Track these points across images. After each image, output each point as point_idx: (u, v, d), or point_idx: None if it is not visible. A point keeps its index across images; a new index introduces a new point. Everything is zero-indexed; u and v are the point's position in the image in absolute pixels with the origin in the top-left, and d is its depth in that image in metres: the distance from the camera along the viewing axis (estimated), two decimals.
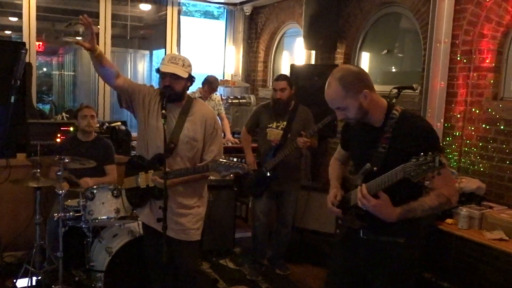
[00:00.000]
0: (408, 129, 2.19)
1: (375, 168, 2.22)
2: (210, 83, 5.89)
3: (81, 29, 8.39)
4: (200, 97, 5.64)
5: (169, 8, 7.24)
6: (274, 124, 4.41)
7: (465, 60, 4.16)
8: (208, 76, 5.96)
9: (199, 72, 6.04)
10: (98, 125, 5.11)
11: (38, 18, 6.45)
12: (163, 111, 2.85)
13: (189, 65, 3.07)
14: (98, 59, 2.99)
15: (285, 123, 4.37)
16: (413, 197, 2.20)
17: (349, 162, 2.74)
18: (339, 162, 2.73)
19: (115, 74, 3.08)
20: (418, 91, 4.31)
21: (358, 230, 2.35)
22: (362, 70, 2.33)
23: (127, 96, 3.12)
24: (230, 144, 5.83)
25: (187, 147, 3.07)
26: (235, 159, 2.91)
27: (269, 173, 4.29)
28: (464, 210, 3.57)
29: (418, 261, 2.36)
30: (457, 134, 4.21)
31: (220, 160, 2.93)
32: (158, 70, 3.07)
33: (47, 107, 8.38)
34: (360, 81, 2.22)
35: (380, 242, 2.31)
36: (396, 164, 2.06)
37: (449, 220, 3.65)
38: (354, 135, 2.46)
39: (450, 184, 2.26)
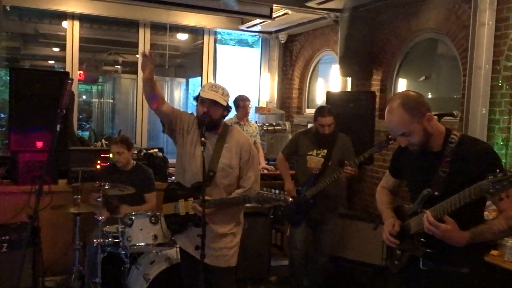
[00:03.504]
0: (469, 152, 2.18)
1: (436, 193, 2.19)
2: (243, 100, 5.81)
3: (120, 58, 8.66)
4: (237, 122, 5.67)
5: (205, 37, 7.39)
6: (315, 152, 4.38)
7: (507, 86, 4.06)
8: (235, 98, 5.88)
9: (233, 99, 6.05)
10: (136, 152, 5.19)
11: (80, 48, 6.68)
12: (202, 139, 2.90)
13: (228, 95, 3.14)
14: (151, 85, 3.11)
15: (325, 151, 4.34)
16: (474, 222, 2.15)
17: (397, 191, 2.70)
18: (387, 190, 2.69)
19: (161, 100, 3.18)
20: (458, 117, 4.22)
21: (418, 262, 2.31)
22: (420, 93, 2.31)
23: (169, 123, 3.19)
24: (265, 171, 5.82)
25: (223, 174, 3.10)
26: (277, 191, 2.92)
27: (311, 200, 4.25)
28: (510, 242, 3.42)
29: None
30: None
31: (263, 192, 2.94)
32: (197, 97, 3.14)
33: (86, 134, 8.60)
34: (422, 104, 2.22)
35: (442, 272, 2.26)
36: (457, 188, 2.05)
37: (494, 252, 3.50)
38: (410, 161, 2.43)
39: None
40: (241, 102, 5.76)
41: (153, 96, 3.14)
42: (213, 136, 3.15)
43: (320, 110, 4.35)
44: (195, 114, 3.22)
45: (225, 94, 3.10)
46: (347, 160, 4.19)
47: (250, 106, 5.90)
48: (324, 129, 4.26)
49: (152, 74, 3.10)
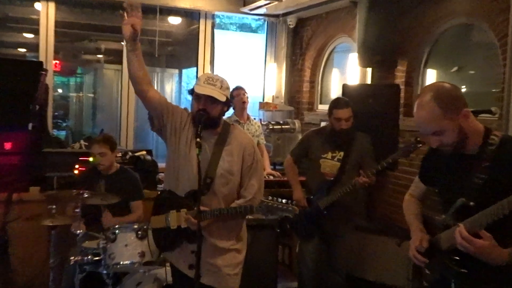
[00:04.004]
0: (510, 155, 2.17)
1: (471, 203, 2.18)
2: (236, 89, 5.81)
3: (102, 46, 8.67)
4: (236, 121, 5.67)
5: (201, 22, 7.38)
6: (329, 154, 4.40)
7: None
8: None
9: None
10: (120, 155, 5.20)
11: (55, 34, 6.69)
12: (198, 139, 2.88)
13: (228, 88, 3.13)
14: (135, 54, 2.99)
15: (341, 153, 4.36)
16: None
17: (426, 199, 2.69)
18: (416, 199, 2.69)
19: (148, 81, 3.13)
20: (497, 115, 4.20)
21: (450, 283, 2.30)
22: (456, 86, 2.31)
23: (159, 116, 3.16)
24: (271, 178, 5.82)
25: (222, 182, 3.10)
26: (284, 200, 2.92)
27: (325, 210, 4.26)
28: None
29: None
30: None
31: (267, 200, 2.93)
32: (191, 92, 3.12)
33: (62, 134, 8.60)
34: (458, 98, 2.22)
35: None
36: (496, 197, 2.04)
37: None
38: (442, 166, 2.43)
39: None
40: (235, 92, 5.74)
41: (138, 72, 3.03)
42: (212, 136, 3.14)
43: (336, 102, 4.37)
44: (190, 110, 3.20)
45: (224, 87, 3.08)
46: (366, 164, 4.20)
47: (245, 95, 5.87)
48: (341, 124, 4.26)
49: (138, 31, 2.92)
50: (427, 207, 2.73)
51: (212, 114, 3.06)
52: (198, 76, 3.19)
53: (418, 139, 3.66)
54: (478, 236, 2.09)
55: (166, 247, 3.23)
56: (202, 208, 2.93)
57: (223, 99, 3.06)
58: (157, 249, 3.39)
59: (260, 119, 6.94)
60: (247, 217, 3.37)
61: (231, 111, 5.85)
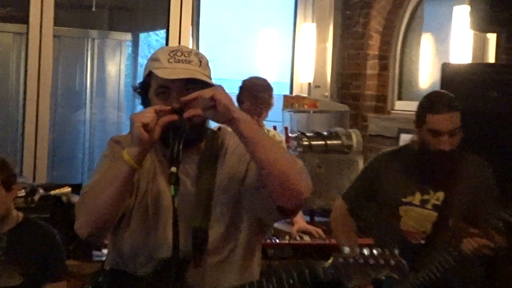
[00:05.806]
0: None
1: None
2: (261, 90, 5.97)
3: None
4: None
5: None
6: (417, 197, 4.46)
7: None
8: (243, 82, 6.07)
9: (235, 78, 6.02)
10: (23, 193, 5.18)
11: None
12: (173, 169, 2.81)
13: (208, 65, 3.15)
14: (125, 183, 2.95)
15: (440, 194, 4.40)
16: None
17: None
18: None
19: None
20: None
21: None
22: None
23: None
24: (306, 238, 5.84)
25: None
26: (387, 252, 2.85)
27: None
28: None
29: None
30: None
31: (346, 258, 2.86)
32: (144, 86, 3.09)
33: None
34: None
35: None
36: None
37: None
38: None
39: None
40: (261, 94, 5.91)
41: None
42: (193, 157, 3.14)
43: (432, 100, 4.43)
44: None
45: (204, 64, 3.10)
46: (485, 212, 4.25)
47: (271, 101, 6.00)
48: (440, 141, 4.26)
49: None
50: None
51: (196, 119, 3.01)
52: (155, 52, 3.12)
53: None
54: None
55: None
56: None
57: (211, 81, 3.07)
58: None
59: (286, 128, 6.92)
60: None
61: None
